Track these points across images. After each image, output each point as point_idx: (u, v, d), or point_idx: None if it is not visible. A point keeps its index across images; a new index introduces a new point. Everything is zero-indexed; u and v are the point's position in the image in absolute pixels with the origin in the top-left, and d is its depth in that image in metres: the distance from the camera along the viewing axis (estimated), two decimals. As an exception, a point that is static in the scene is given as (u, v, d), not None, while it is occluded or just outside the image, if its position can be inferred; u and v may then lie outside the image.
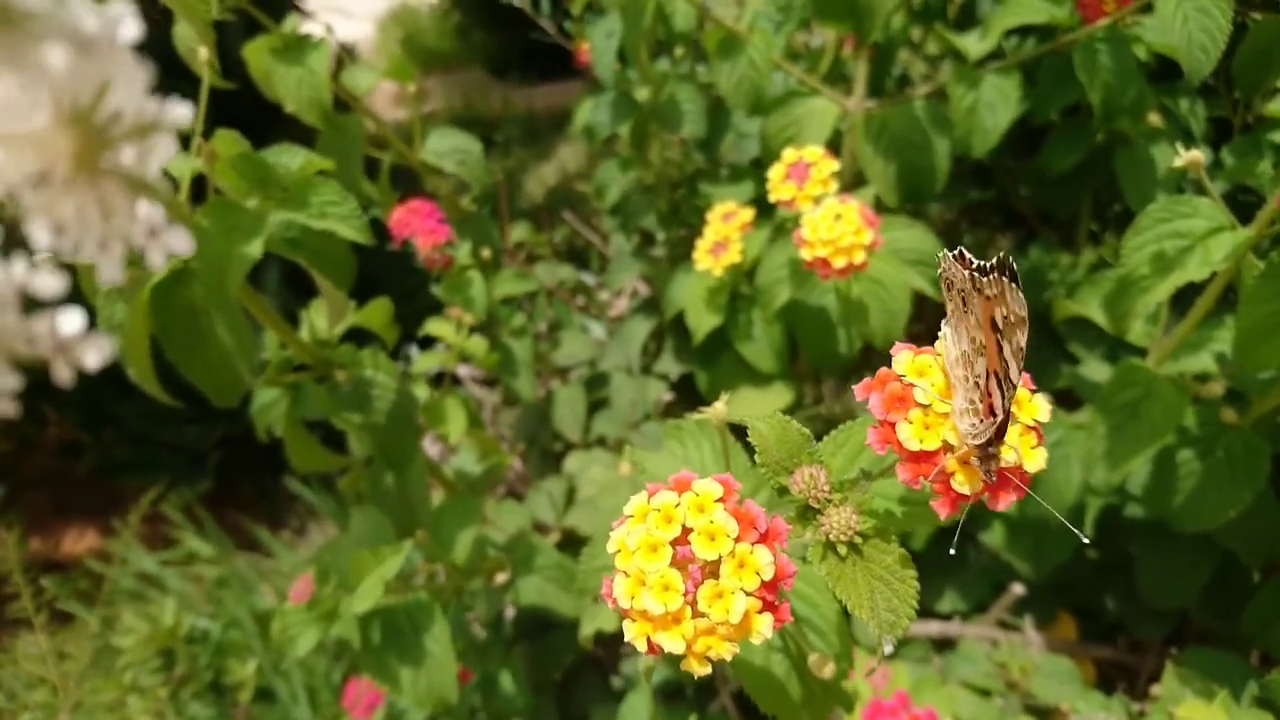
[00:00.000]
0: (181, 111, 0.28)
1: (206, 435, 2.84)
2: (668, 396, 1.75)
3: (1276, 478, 1.18)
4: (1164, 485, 1.19)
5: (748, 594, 0.48)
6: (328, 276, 1.07)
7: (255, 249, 0.91)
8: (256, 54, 1.33)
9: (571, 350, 1.90)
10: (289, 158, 1.00)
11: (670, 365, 1.77)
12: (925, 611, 1.51)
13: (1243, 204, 1.30)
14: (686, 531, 0.49)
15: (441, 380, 1.48)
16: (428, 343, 1.85)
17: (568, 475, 1.69)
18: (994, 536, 1.43)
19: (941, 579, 1.52)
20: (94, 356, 0.26)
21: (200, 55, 1.03)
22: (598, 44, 1.66)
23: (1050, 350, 1.61)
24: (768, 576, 0.48)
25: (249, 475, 2.90)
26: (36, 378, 0.28)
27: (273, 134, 1.12)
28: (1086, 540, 0.51)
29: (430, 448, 1.91)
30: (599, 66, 1.68)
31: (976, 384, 0.49)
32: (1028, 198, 1.95)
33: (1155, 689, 1.24)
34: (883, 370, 0.54)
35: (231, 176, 0.97)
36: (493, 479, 1.59)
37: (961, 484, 0.49)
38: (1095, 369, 1.37)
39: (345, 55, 1.57)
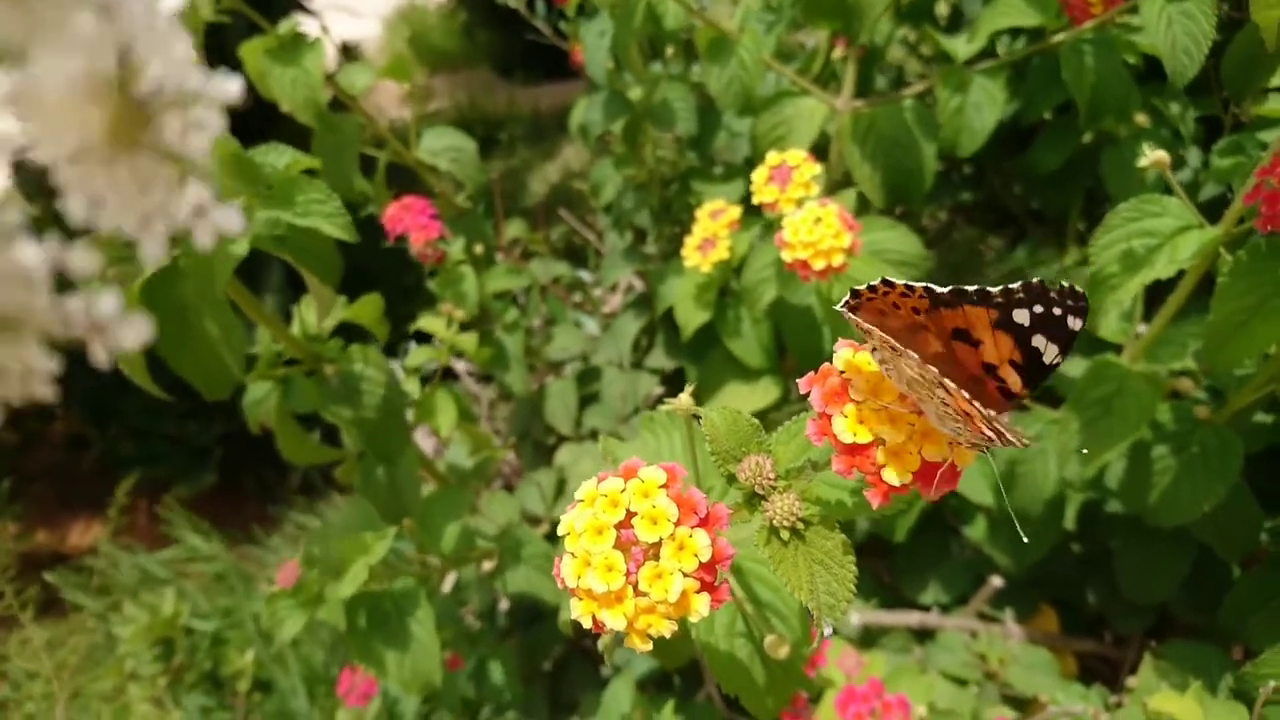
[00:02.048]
0: (230, 86, 0.27)
1: (209, 430, 2.88)
2: (658, 391, 1.78)
3: (1251, 473, 1.19)
4: (1140, 480, 1.21)
5: (686, 575, 0.50)
6: (314, 272, 1.09)
7: (241, 248, 0.93)
8: (252, 54, 1.36)
9: (564, 344, 1.93)
10: (276, 156, 1.03)
11: (661, 360, 1.79)
12: (907, 603, 1.54)
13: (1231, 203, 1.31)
14: (631, 515, 0.52)
15: (434, 376, 1.51)
16: (423, 339, 1.88)
17: (559, 468, 1.71)
18: (976, 530, 1.45)
19: (925, 571, 1.54)
20: (132, 337, 0.26)
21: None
22: (590, 44, 1.68)
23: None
24: (705, 558, 0.51)
25: (251, 470, 2.94)
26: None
27: (271, 132, 1.15)
28: (1025, 538, 0.53)
29: (424, 442, 1.94)
30: (591, 66, 1.70)
31: (944, 403, 0.51)
32: (1019, 197, 1.97)
33: (1132, 681, 1.26)
34: (825, 365, 0.56)
35: (220, 175, 1.00)
36: (484, 473, 1.62)
37: (891, 476, 0.51)
38: (1075, 366, 1.38)
39: (350, 54, 1.60)
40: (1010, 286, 0.53)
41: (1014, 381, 0.54)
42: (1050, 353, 0.53)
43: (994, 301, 0.53)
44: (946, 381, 0.49)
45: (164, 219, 0.27)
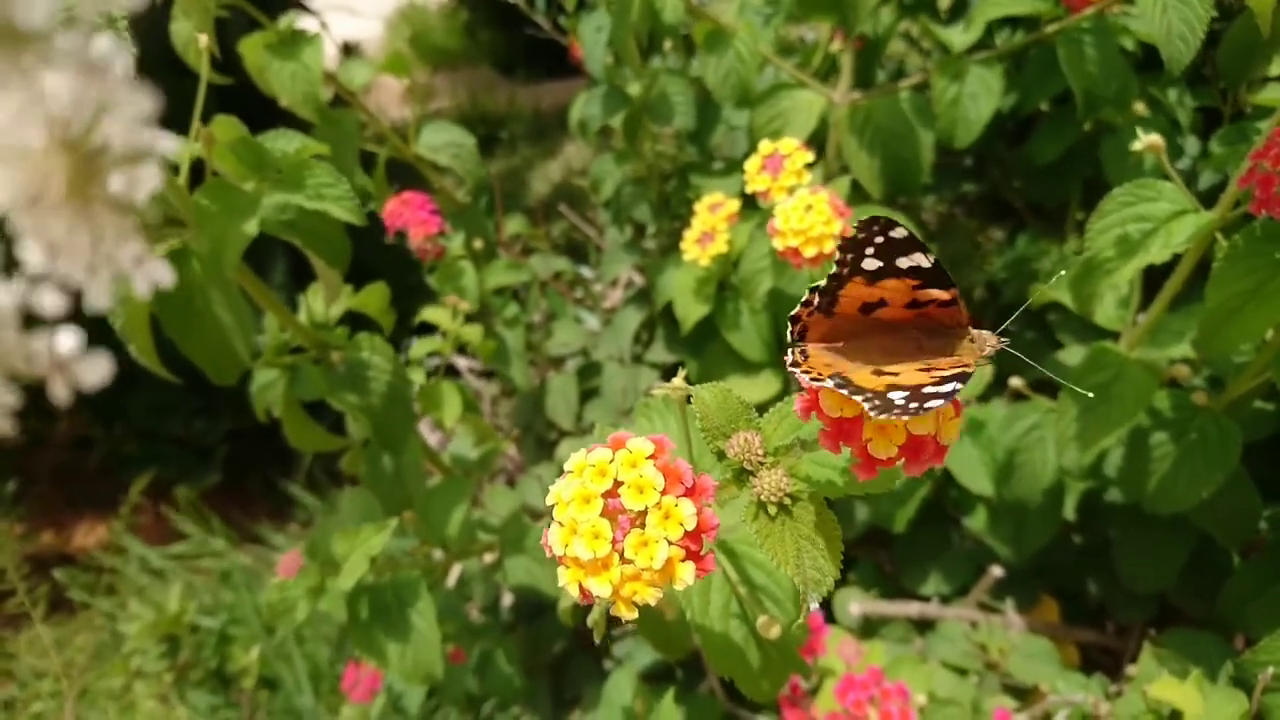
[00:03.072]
0: (168, 144, 0.28)
1: (214, 429, 2.89)
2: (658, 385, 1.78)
3: (1250, 460, 1.19)
4: (1138, 468, 1.21)
5: (671, 543, 0.51)
6: (322, 257, 1.10)
7: (251, 228, 0.95)
8: (252, 49, 1.37)
9: (564, 339, 1.93)
10: (285, 142, 1.04)
11: (661, 354, 1.80)
12: (908, 594, 1.54)
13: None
14: (618, 484, 0.52)
15: (436, 370, 1.52)
16: (425, 333, 1.89)
17: (560, 462, 1.71)
18: (976, 520, 1.45)
19: (925, 562, 1.54)
20: (92, 375, 0.26)
21: (200, 42, 1.06)
22: (587, 38, 1.69)
23: (1039, 339, 1.63)
24: (690, 527, 0.51)
25: (256, 469, 2.94)
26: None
27: (270, 127, 1.16)
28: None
29: (429, 436, 1.95)
30: (589, 60, 1.71)
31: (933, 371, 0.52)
32: (1019, 189, 1.97)
33: (1131, 669, 1.26)
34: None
35: (230, 160, 1.01)
36: (488, 464, 1.62)
37: (878, 449, 0.51)
38: (1074, 354, 1.38)
39: (351, 53, 1.60)
40: (838, 256, 0.57)
41: (938, 292, 0.57)
42: (919, 261, 0.56)
43: (846, 274, 0.57)
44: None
45: (109, 266, 0.28)
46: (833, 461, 0.62)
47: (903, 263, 0.56)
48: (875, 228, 0.55)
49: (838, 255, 0.57)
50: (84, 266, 0.28)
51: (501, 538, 1.33)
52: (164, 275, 0.29)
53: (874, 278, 0.57)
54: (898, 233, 0.55)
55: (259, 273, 1.07)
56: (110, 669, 2.04)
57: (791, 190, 1.13)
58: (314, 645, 2.04)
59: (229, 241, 0.93)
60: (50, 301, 0.26)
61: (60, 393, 0.26)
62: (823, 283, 0.57)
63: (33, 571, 2.54)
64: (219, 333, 1.00)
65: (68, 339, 0.26)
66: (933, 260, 0.56)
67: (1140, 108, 1.54)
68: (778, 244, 1.05)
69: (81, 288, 0.28)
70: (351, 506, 1.24)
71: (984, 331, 0.57)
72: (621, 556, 0.51)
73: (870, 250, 0.56)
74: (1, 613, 2.00)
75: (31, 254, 0.27)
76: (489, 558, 1.35)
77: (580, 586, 0.51)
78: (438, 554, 1.29)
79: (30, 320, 0.27)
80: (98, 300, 0.28)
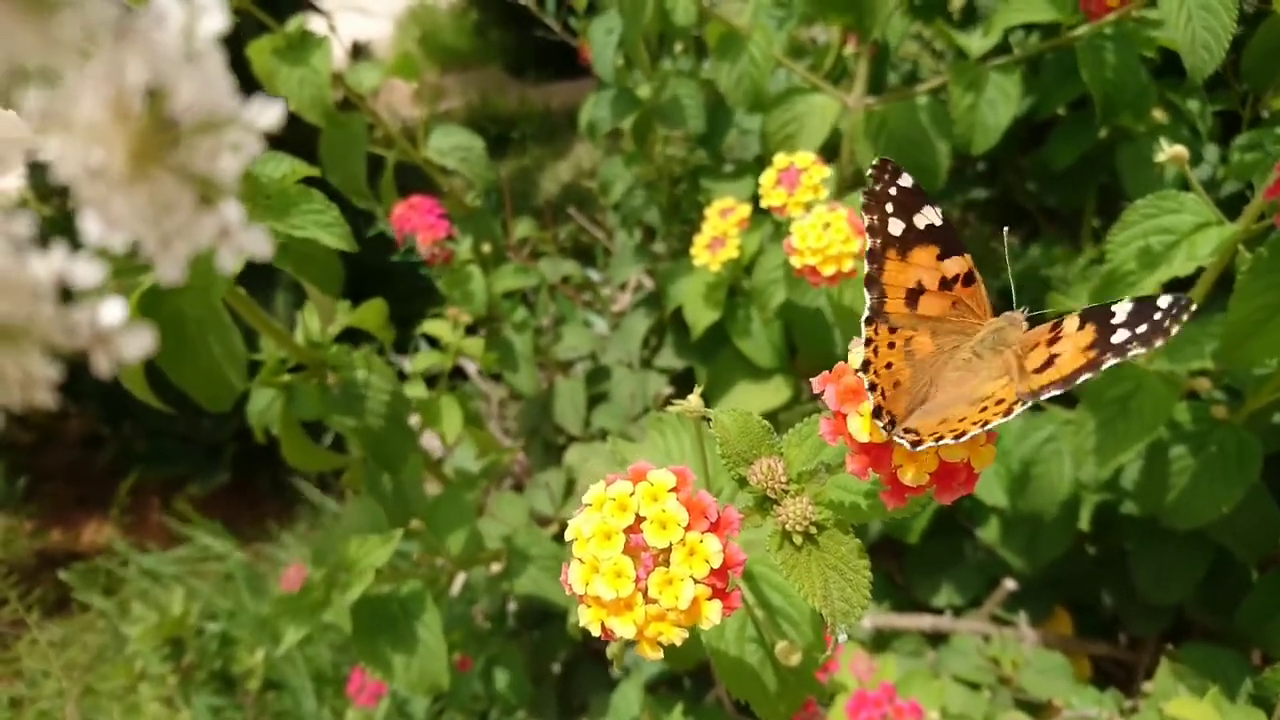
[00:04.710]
0: (270, 114, 0.27)
1: (222, 428, 2.88)
2: (667, 390, 1.77)
3: (1270, 474, 1.17)
4: (1156, 481, 1.19)
5: (697, 581, 0.49)
6: (313, 282, 1.08)
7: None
8: (260, 53, 1.36)
9: (573, 344, 1.92)
10: (273, 166, 1.01)
11: (671, 359, 1.78)
12: (920, 605, 1.52)
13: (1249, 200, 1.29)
14: (640, 520, 0.50)
15: (438, 379, 1.50)
16: (434, 340, 1.88)
17: (567, 468, 1.70)
18: (989, 531, 1.43)
19: (938, 573, 1.52)
20: (134, 348, 0.26)
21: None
22: (597, 40, 1.67)
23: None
24: (716, 564, 0.49)
25: (265, 468, 2.94)
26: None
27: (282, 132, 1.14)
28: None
29: (430, 443, 1.93)
30: (599, 63, 1.69)
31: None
32: (1033, 193, 1.95)
33: (1148, 685, 1.24)
34: (839, 364, 0.55)
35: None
36: (490, 477, 1.61)
37: (909, 476, 0.50)
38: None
39: (361, 54, 1.59)
40: (865, 220, 0.57)
41: (955, 264, 0.58)
42: (931, 217, 0.57)
43: (880, 245, 0.57)
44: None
45: (185, 241, 0.27)
46: (858, 485, 0.60)
47: (919, 220, 0.56)
48: (886, 173, 0.55)
49: (864, 220, 0.56)
50: (156, 240, 0.27)
51: (508, 547, 1.32)
52: (261, 246, 0.28)
53: (903, 248, 0.56)
54: (905, 180, 0.55)
55: (262, 286, 1.05)
56: (114, 670, 2.03)
57: (809, 206, 1.11)
58: (319, 647, 2.03)
59: (216, 272, 0.90)
60: (87, 274, 0.25)
61: (102, 366, 0.26)
62: (866, 269, 0.57)
63: (42, 569, 2.54)
64: (211, 361, 0.98)
65: (113, 310, 0.26)
66: (942, 217, 0.56)
67: (1159, 114, 1.52)
68: (795, 262, 1.03)
69: (155, 261, 0.27)
70: (357, 515, 1.22)
71: (1013, 313, 0.57)
72: (645, 595, 0.49)
73: (890, 206, 0.56)
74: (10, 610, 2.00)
75: (90, 226, 0.26)
76: (495, 567, 1.34)
77: (603, 626, 0.50)
78: (442, 562, 1.28)
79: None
80: (170, 274, 0.27)
